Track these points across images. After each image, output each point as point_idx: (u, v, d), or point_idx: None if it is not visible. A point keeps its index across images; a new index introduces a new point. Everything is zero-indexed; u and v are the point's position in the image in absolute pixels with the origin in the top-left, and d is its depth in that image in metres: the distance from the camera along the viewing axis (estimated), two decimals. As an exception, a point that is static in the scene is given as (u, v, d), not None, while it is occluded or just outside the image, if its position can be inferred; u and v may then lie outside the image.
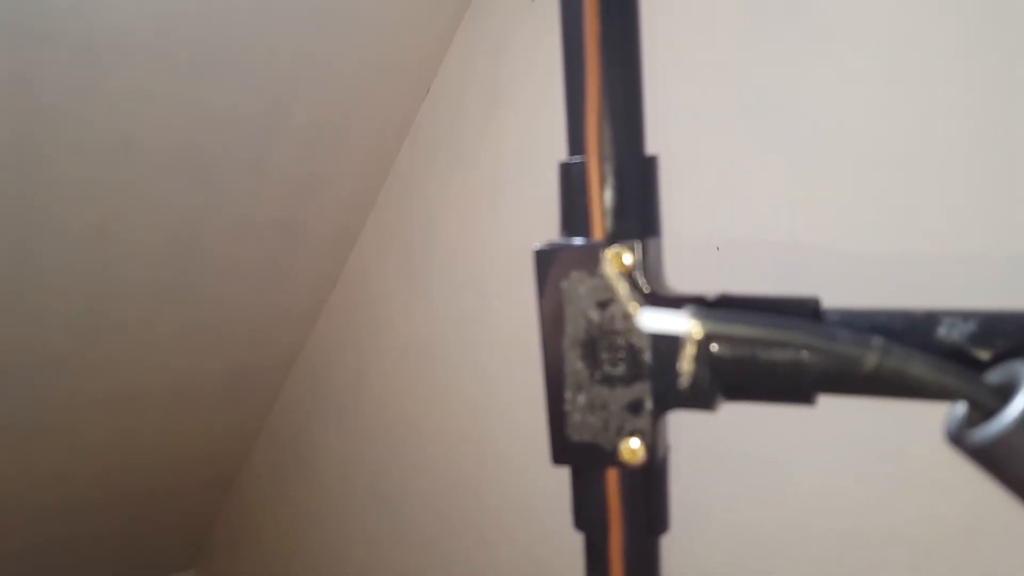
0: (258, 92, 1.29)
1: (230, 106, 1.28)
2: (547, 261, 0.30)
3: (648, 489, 0.30)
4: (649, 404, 0.29)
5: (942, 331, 0.26)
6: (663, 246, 0.31)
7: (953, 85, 0.74)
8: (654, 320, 0.25)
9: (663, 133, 0.97)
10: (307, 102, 1.35)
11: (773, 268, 0.91)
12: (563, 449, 0.30)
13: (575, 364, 0.29)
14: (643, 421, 0.29)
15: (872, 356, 0.23)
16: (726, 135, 0.95)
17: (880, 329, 0.27)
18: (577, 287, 0.29)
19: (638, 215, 0.30)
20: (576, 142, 0.30)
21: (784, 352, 0.25)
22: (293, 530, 1.92)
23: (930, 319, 0.26)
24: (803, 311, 0.28)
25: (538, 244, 0.30)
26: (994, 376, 0.24)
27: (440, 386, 1.46)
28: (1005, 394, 0.23)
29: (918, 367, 0.23)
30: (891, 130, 0.80)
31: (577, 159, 0.30)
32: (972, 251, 0.74)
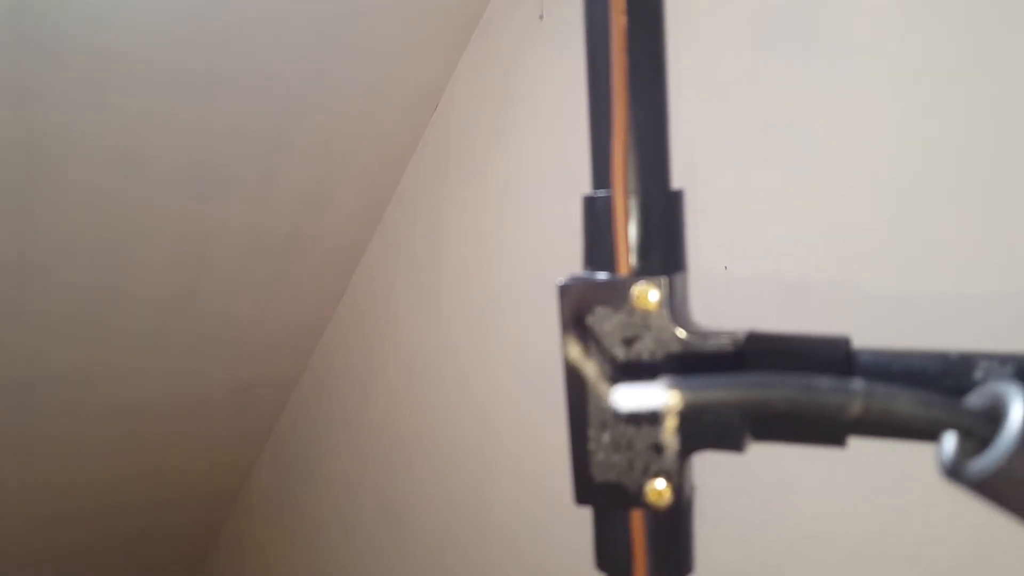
0: (267, 107, 1.29)
1: (238, 121, 1.28)
2: (571, 296, 0.29)
3: (673, 531, 0.29)
4: (675, 444, 0.28)
5: (978, 375, 0.25)
6: (688, 280, 0.31)
7: (969, 107, 0.74)
8: (629, 399, 0.24)
9: (673, 155, 0.97)
10: (315, 117, 1.35)
11: (782, 290, 0.90)
12: (587, 489, 0.29)
13: (599, 402, 0.29)
14: (669, 461, 0.28)
15: (857, 401, 0.22)
16: (736, 157, 0.95)
17: (914, 372, 0.26)
18: (602, 323, 0.29)
19: (664, 250, 0.29)
20: (601, 176, 0.30)
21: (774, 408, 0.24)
22: (298, 542, 1.91)
23: (965, 362, 0.26)
24: (834, 351, 0.27)
25: (561, 279, 0.30)
26: (975, 401, 0.23)
27: (447, 400, 1.45)
28: (993, 418, 0.22)
29: (905, 405, 0.22)
30: (905, 153, 0.79)
31: (602, 193, 0.30)
32: (985, 281, 0.73)
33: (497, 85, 1.33)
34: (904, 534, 0.80)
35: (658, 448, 0.28)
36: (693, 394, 0.24)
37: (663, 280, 0.28)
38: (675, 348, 0.28)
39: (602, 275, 0.29)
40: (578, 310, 0.29)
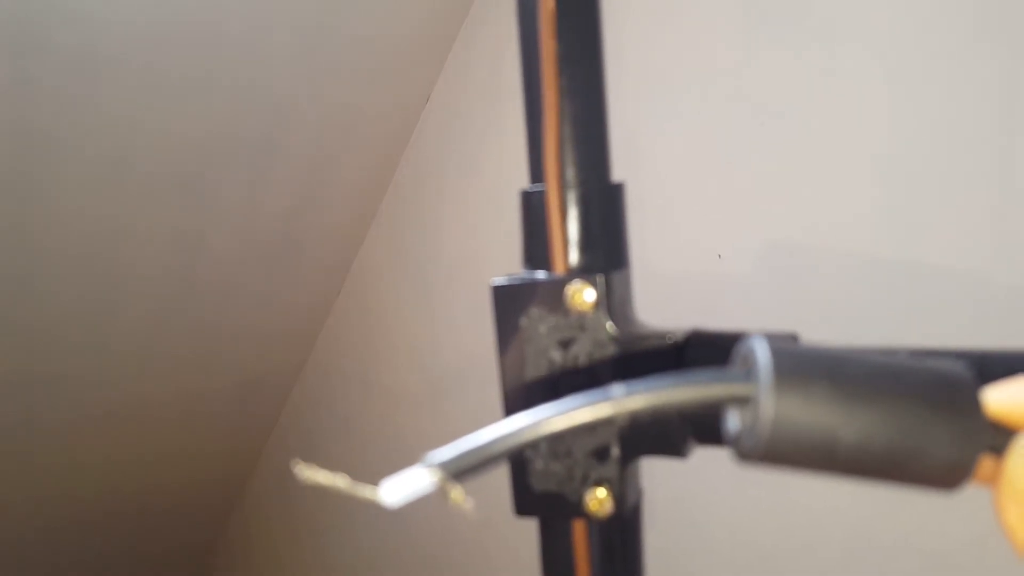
0: (257, 104, 1.28)
1: (228, 118, 1.27)
2: (505, 297, 0.28)
3: (619, 541, 0.28)
4: (616, 451, 0.27)
5: (929, 373, 0.24)
6: (632, 277, 0.29)
7: (960, 87, 0.72)
8: (395, 493, 0.22)
9: (662, 140, 0.95)
10: (306, 112, 1.34)
11: (776, 278, 0.88)
12: (526, 500, 0.28)
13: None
14: (610, 469, 0.27)
15: (622, 405, 0.20)
16: (727, 142, 0.93)
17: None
18: (537, 325, 0.27)
19: (603, 247, 0.28)
20: (537, 169, 0.28)
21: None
22: (302, 541, 1.91)
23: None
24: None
25: (497, 279, 0.28)
26: (736, 368, 0.21)
27: (446, 396, 1.44)
28: (754, 376, 0.20)
29: (666, 393, 0.20)
30: (895, 135, 0.77)
31: (538, 187, 0.28)
32: (980, 263, 0.71)
33: (488, 75, 1.31)
34: (901, 521, 0.78)
35: (599, 455, 0.27)
36: (454, 465, 0.22)
37: (599, 279, 0.27)
38: (612, 350, 0.26)
39: (540, 275, 0.28)
40: (512, 312, 0.28)
